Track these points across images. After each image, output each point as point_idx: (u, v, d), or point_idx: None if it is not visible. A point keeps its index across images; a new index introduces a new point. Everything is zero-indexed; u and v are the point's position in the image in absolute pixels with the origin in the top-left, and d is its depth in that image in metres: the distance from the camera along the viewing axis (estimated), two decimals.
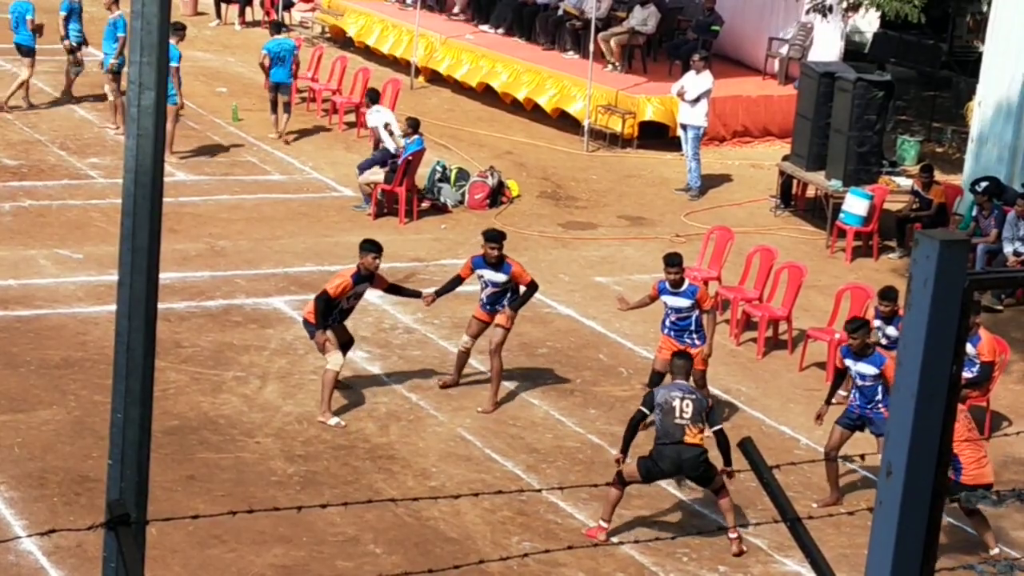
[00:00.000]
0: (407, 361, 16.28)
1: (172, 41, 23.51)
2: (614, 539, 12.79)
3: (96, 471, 12.87)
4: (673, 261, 14.90)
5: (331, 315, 14.71)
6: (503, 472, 14.00)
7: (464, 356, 15.58)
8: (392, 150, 21.91)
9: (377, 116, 22.45)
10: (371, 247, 14.86)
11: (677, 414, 12.57)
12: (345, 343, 14.95)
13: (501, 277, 15.16)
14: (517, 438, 14.79)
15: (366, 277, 14.85)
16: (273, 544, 12.39)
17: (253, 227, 20.31)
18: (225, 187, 21.98)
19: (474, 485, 13.47)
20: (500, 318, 15.20)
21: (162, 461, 13.04)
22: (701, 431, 12.62)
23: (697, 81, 23.22)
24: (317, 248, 19.62)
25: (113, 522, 4.35)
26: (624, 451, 12.78)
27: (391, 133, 22.04)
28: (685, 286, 14.79)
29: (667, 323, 14.99)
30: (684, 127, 23.58)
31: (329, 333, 14.60)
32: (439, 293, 15.49)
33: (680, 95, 23.43)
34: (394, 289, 15.52)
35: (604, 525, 12.83)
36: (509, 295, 15.26)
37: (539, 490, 13.53)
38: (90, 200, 20.61)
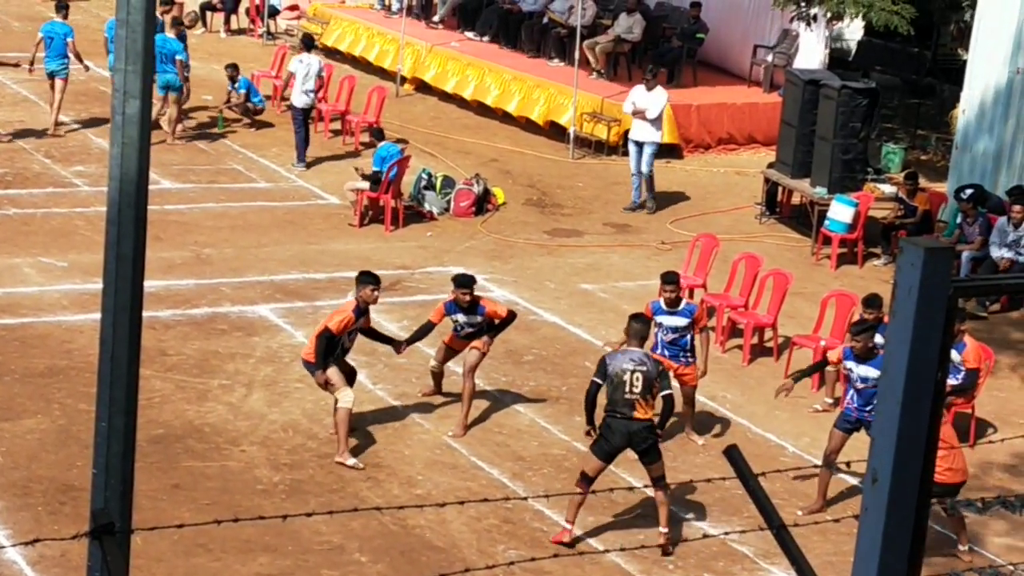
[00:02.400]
0: (392, 369, 16.26)
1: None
2: (600, 547, 12.79)
3: (81, 480, 12.84)
4: (670, 279, 14.74)
5: (333, 354, 14.19)
6: (489, 480, 13.99)
7: (439, 375, 15.53)
8: (297, 105, 23.55)
9: (297, 64, 23.92)
10: (369, 279, 14.30)
11: (627, 388, 12.54)
12: (348, 374, 14.46)
13: (476, 319, 14.92)
14: (503, 446, 14.78)
15: (365, 310, 14.38)
16: (259, 553, 12.36)
17: (238, 235, 20.29)
18: (210, 195, 21.95)
19: (460, 493, 13.47)
20: (476, 342, 14.99)
21: (147, 470, 13.01)
22: (651, 404, 12.62)
23: (653, 98, 22.65)
24: (303, 256, 19.60)
25: (98, 531, 4.33)
26: (590, 422, 12.86)
27: (302, 86, 23.58)
28: (682, 305, 14.71)
29: (660, 343, 14.76)
30: (639, 144, 22.69)
31: (331, 371, 14.12)
32: (410, 342, 15.09)
33: (637, 113, 22.66)
34: (373, 333, 14.94)
35: (568, 527, 12.83)
36: (485, 328, 15.02)
37: (525, 498, 13.51)
38: (75, 208, 20.58)
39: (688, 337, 14.70)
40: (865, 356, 13.74)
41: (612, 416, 12.62)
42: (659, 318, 14.68)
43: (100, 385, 4.50)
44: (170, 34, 24.40)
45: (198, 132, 25.06)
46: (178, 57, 24.00)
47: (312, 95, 23.78)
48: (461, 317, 14.90)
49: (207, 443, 14.27)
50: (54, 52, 24.16)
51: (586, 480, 12.68)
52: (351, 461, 14.07)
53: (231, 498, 13.20)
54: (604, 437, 12.66)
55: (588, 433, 13.06)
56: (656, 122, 22.72)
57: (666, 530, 12.79)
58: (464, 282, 14.86)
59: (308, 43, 24.92)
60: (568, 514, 12.86)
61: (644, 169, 22.68)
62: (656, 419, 12.71)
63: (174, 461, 13.82)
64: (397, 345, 15.04)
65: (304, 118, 23.68)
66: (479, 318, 14.89)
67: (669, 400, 12.83)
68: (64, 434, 14.08)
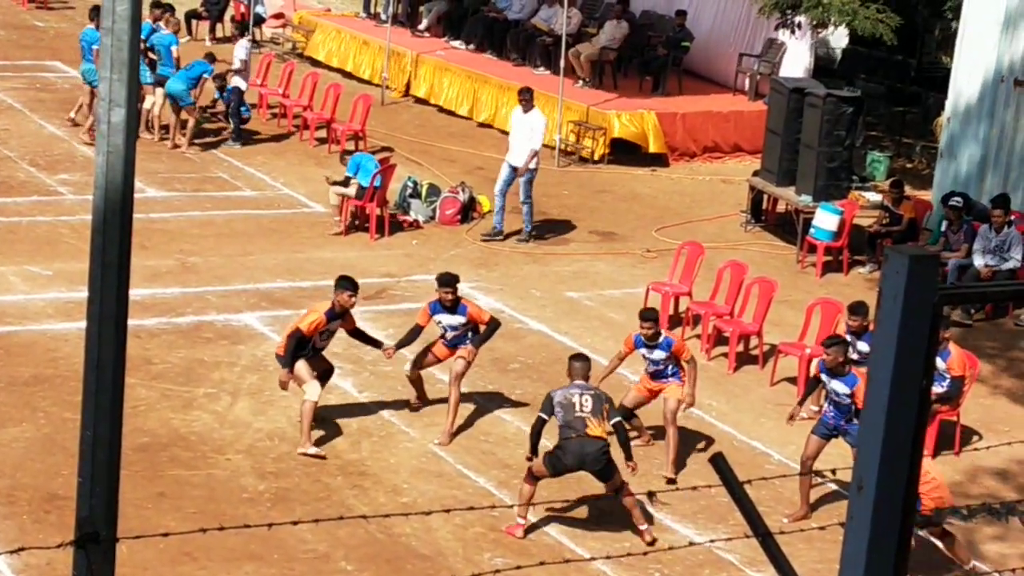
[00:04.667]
0: (378, 377, 16.25)
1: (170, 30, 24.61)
2: (586, 554, 12.79)
3: (66, 488, 12.81)
4: (647, 316, 14.76)
5: (303, 352, 14.47)
6: (475, 488, 13.98)
7: (416, 381, 15.48)
8: (243, 87, 24.86)
9: (244, 51, 25.15)
10: (347, 284, 14.55)
11: (577, 409, 12.90)
12: (325, 371, 14.77)
13: (459, 319, 15.01)
14: (489, 454, 14.78)
15: (340, 314, 14.61)
16: (244, 561, 12.35)
17: (224, 243, 20.27)
18: (196, 203, 21.92)
19: (446, 501, 13.46)
20: (463, 350, 15.07)
21: (132, 478, 12.98)
22: (603, 424, 12.91)
23: (529, 120, 21.33)
24: (288, 264, 19.58)
25: (83, 540, 4.33)
26: (533, 451, 13.25)
27: (238, 71, 24.90)
28: (661, 339, 14.72)
29: (646, 368, 14.87)
30: (514, 169, 21.32)
31: (298, 366, 14.35)
32: (399, 346, 15.22)
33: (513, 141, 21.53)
34: (358, 334, 15.16)
35: (521, 522, 13.15)
36: (471, 334, 15.15)
37: (511, 506, 13.52)
38: (60, 217, 20.53)
39: (670, 368, 14.66)
40: (835, 370, 13.77)
41: (566, 438, 12.94)
42: (640, 351, 14.72)
43: (85, 393, 4.49)
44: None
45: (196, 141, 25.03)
46: (204, 76, 24.62)
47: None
48: (445, 318, 15.03)
49: (192, 451, 14.25)
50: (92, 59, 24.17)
51: (533, 478, 13.13)
52: (312, 450, 14.42)
53: (216, 506, 13.18)
54: (557, 455, 13.03)
55: (529, 459, 13.30)
56: (529, 144, 21.20)
57: (644, 526, 13.10)
58: (447, 281, 15.03)
59: (243, 29, 26.62)
60: (520, 510, 13.13)
61: (522, 197, 21.32)
62: (609, 438, 12.95)
63: (159, 469, 13.80)
64: (384, 348, 15.25)
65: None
66: (462, 318, 15.00)
67: (620, 427, 13.15)
68: (49, 442, 14.05)
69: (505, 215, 21.45)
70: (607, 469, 12.93)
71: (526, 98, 21.51)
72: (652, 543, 12.97)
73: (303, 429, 14.43)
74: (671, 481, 14.16)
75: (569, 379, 13.42)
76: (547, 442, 13.43)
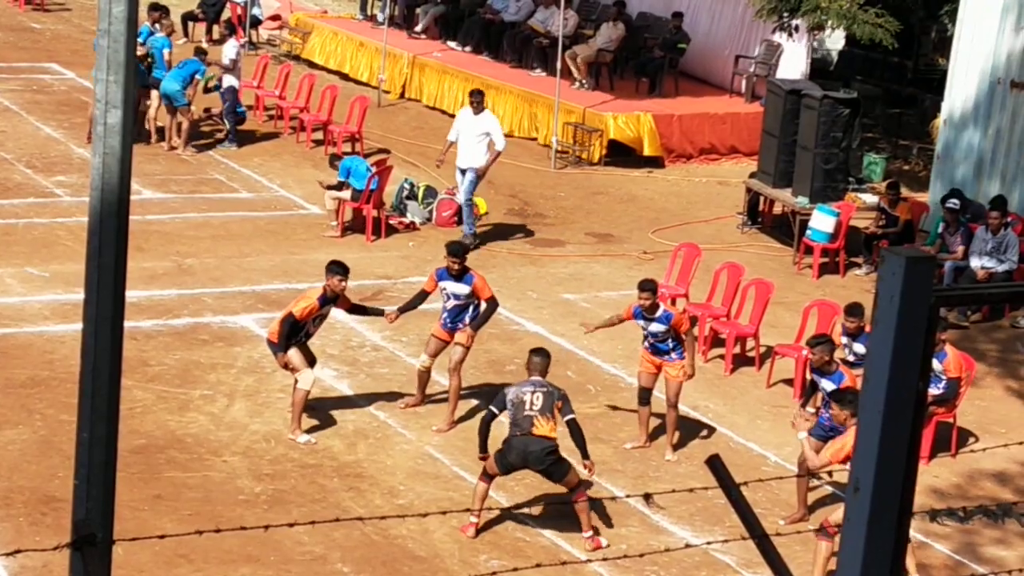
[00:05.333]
0: (374, 379, 16.25)
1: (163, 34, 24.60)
2: (582, 556, 12.80)
3: (62, 491, 12.80)
4: (645, 287, 14.83)
5: (296, 337, 14.67)
6: (471, 490, 13.96)
7: (425, 375, 15.55)
8: (236, 86, 24.82)
9: (234, 51, 25.04)
10: (337, 269, 14.78)
11: (527, 407, 12.87)
12: (309, 362, 14.93)
13: (464, 289, 15.16)
14: None
15: (332, 299, 14.81)
16: (241, 563, 12.34)
17: (220, 245, 20.26)
18: (192, 205, 21.91)
19: (442, 503, 13.46)
20: (460, 336, 15.17)
21: (129, 480, 12.98)
22: (552, 422, 12.85)
23: (480, 122, 20.98)
24: (285, 266, 19.57)
25: (79, 542, 4.32)
26: (483, 449, 13.17)
27: (227, 70, 24.81)
28: (659, 312, 14.74)
29: (646, 342, 14.98)
30: (463, 171, 21.01)
31: (291, 353, 14.56)
32: (403, 310, 15.48)
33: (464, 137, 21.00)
34: (357, 309, 15.47)
35: (474, 520, 13.07)
36: (471, 310, 15.26)
37: (508, 508, 13.53)
38: (56, 218, 20.53)
39: (669, 341, 14.75)
40: (823, 369, 13.80)
41: (512, 436, 12.94)
42: (639, 322, 14.86)
43: (81, 395, 4.49)
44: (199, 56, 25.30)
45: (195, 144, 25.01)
46: (197, 76, 24.61)
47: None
48: (450, 285, 15.20)
49: (189, 453, 14.24)
50: None
51: (487, 476, 13.08)
52: (303, 438, 14.62)
53: (213, 508, 13.17)
54: (503, 452, 13.00)
55: (482, 459, 13.22)
56: (478, 145, 20.92)
57: (588, 534, 12.99)
58: (455, 250, 15.34)
59: (232, 29, 26.73)
60: (475, 505, 13.04)
61: (463, 197, 21.15)
62: (552, 438, 12.90)
63: (156, 471, 13.79)
64: (387, 314, 15.49)
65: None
66: (467, 288, 15.16)
67: (574, 424, 13.01)
68: (45, 445, 14.04)
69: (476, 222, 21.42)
70: (554, 469, 12.90)
71: (477, 100, 21.18)
72: (595, 549, 12.89)
73: (294, 415, 14.68)
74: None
75: (527, 374, 13.41)
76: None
